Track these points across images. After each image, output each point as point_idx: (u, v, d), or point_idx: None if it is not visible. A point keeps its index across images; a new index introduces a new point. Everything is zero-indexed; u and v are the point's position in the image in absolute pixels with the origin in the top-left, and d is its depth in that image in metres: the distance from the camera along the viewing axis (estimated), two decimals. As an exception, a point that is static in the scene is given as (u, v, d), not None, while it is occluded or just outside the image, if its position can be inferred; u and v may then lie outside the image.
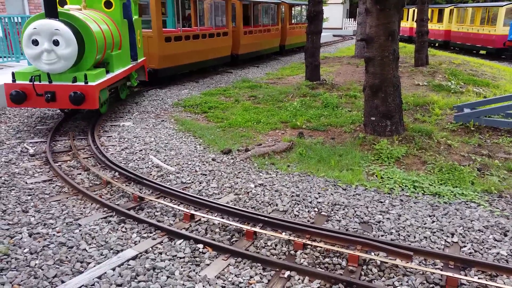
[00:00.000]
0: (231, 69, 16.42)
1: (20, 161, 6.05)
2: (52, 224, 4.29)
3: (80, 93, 6.84)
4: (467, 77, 12.69)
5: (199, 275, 3.46)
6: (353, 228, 4.31)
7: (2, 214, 4.48)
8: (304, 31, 12.90)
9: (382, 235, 4.19)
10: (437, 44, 27.59)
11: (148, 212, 4.61)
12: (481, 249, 3.97)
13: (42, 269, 3.52)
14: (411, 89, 11.35)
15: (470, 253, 3.90)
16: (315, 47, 12.40)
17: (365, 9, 7.21)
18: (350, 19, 47.04)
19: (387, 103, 6.92)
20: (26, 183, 5.30)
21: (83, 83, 7.00)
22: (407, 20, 31.26)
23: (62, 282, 3.36)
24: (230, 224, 4.23)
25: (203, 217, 4.39)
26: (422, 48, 14.97)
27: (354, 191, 5.27)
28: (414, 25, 18.41)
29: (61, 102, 6.99)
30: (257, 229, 4.12)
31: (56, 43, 6.73)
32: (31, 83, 6.86)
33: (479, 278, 3.47)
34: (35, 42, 6.69)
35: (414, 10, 28.60)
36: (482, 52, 23.23)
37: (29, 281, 3.36)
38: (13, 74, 6.88)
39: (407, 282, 3.44)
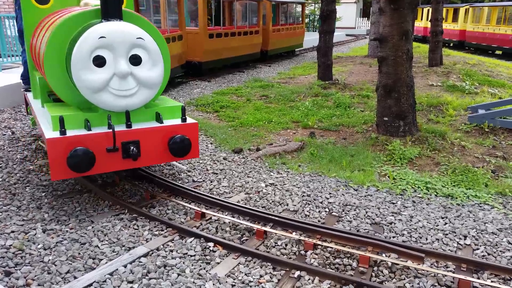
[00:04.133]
0: (243, 69, 16.44)
1: (35, 158, 6.15)
2: (65, 220, 4.35)
3: (186, 138, 4.43)
4: (482, 78, 12.51)
5: (209, 273, 3.47)
6: (364, 229, 4.29)
7: (17, 210, 4.56)
8: (294, 32, 13.31)
9: (393, 237, 4.16)
10: (451, 44, 27.24)
11: (159, 210, 4.65)
12: (495, 252, 3.92)
13: (55, 265, 3.58)
14: (425, 90, 11.23)
15: (483, 256, 3.86)
16: (327, 47, 12.35)
17: (379, 8, 7.16)
18: (364, 18, 46.72)
19: (400, 104, 6.86)
20: (41, 180, 5.38)
21: (178, 121, 4.53)
22: (421, 19, 30.94)
23: (75, 278, 3.41)
24: (241, 223, 4.24)
25: (214, 215, 4.40)
26: (436, 48, 14.80)
27: (366, 192, 5.24)
28: (429, 24, 18.21)
29: (149, 157, 4.35)
30: (267, 228, 4.13)
31: (136, 61, 4.11)
32: (108, 131, 4.07)
33: (492, 282, 3.43)
34: (101, 61, 3.94)
35: (428, 10, 28.29)
36: (498, 52, 22.87)
37: (42, 277, 3.41)
38: (61, 120, 3.87)
39: (419, 284, 3.41)
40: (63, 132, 3.92)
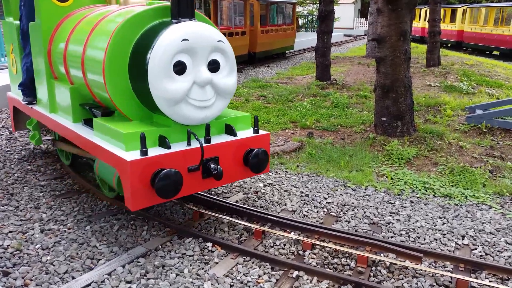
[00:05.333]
0: (241, 69, 16.45)
1: (33, 158, 6.13)
2: (63, 220, 4.34)
3: (265, 152, 4.00)
4: (480, 78, 12.54)
5: (208, 273, 3.47)
6: (363, 229, 4.29)
7: (15, 210, 4.54)
8: (285, 33, 13.29)
9: (391, 237, 4.17)
10: (449, 45, 27.31)
11: (157, 210, 4.64)
12: (492, 252, 3.93)
13: (53, 265, 3.57)
14: (423, 90, 11.25)
15: (481, 255, 3.87)
16: (325, 47, 12.36)
17: (377, 8, 7.17)
18: (362, 18, 46.80)
19: (398, 104, 6.87)
20: (39, 180, 5.37)
21: (249, 133, 4.12)
22: (419, 20, 31.01)
23: (73, 278, 3.40)
24: (239, 223, 4.24)
25: (212, 215, 4.40)
26: (434, 48, 14.83)
27: (364, 192, 5.24)
28: (426, 25, 18.25)
29: (228, 174, 3.90)
30: (266, 228, 4.13)
31: (214, 66, 3.64)
32: (188, 148, 3.60)
33: (490, 281, 3.44)
34: (181, 67, 3.43)
35: (426, 10, 28.35)
36: (495, 52, 22.94)
37: (40, 277, 3.41)
38: (143, 138, 3.32)
39: (417, 284, 3.42)
40: (144, 152, 3.32)
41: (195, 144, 3.64)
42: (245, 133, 4.09)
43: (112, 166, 3.52)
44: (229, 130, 4.00)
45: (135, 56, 3.59)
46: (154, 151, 3.43)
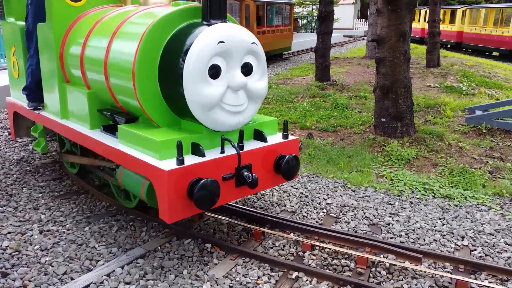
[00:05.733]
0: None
1: (32, 159, 6.12)
2: (62, 221, 4.33)
3: (296, 158, 3.88)
4: (479, 79, 12.55)
5: (207, 275, 3.46)
6: (362, 230, 4.28)
7: (14, 211, 4.54)
8: (282, 34, 13.11)
9: (391, 238, 4.16)
10: (449, 46, 27.33)
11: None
12: (492, 253, 3.92)
13: (52, 266, 3.56)
14: (422, 91, 11.26)
15: (481, 256, 3.86)
16: (325, 48, 12.36)
17: (376, 9, 7.17)
18: (361, 19, 46.83)
19: (397, 105, 6.87)
20: (37, 181, 5.36)
21: (278, 138, 3.99)
22: (419, 21, 31.03)
23: (72, 279, 3.39)
24: (238, 224, 4.23)
25: (212, 216, 4.39)
26: (433, 49, 14.84)
27: (364, 193, 5.24)
28: (426, 26, 18.26)
29: (261, 182, 3.74)
30: (265, 229, 4.12)
31: (246, 70, 3.50)
32: (222, 155, 3.45)
33: (489, 282, 3.43)
34: (215, 71, 3.29)
35: (426, 11, 28.37)
36: (495, 53, 22.95)
37: (39, 278, 3.40)
38: (180, 146, 3.16)
39: (416, 285, 3.41)
40: (181, 161, 3.16)
41: (228, 151, 3.48)
42: (274, 138, 3.95)
43: (144, 176, 3.34)
44: (259, 135, 3.85)
45: (166, 59, 3.43)
46: (189, 159, 3.26)
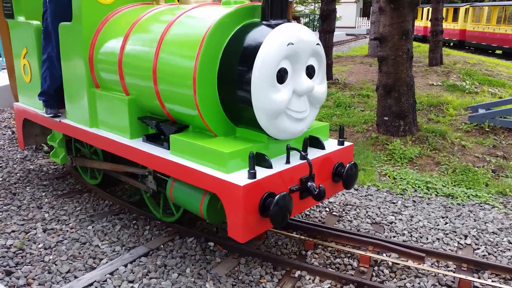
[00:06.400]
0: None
1: (35, 158, 6.14)
2: (65, 220, 4.34)
3: (356, 165, 3.70)
4: (482, 77, 12.50)
5: (210, 273, 3.47)
6: (365, 229, 4.28)
7: (18, 209, 4.55)
8: None
9: (394, 236, 4.16)
10: (451, 44, 27.24)
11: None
12: (495, 252, 3.92)
13: (56, 264, 3.58)
14: (425, 89, 11.23)
15: (484, 255, 3.85)
16: (327, 46, 12.32)
17: (379, 8, 7.15)
18: (364, 17, 46.72)
19: (400, 103, 6.85)
20: (41, 179, 5.38)
21: (334, 144, 3.79)
22: (422, 19, 30.94)
23: (75, 277, 3.41)
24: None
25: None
26: (436, 47, 14.78)
27: (366, 192, 5.24)
28: (429, 24, 18.21)
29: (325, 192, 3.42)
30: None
31: (309, 73, 3.24)
32: (288, 166, 3.22)
33: (492, 281, 3.43)
34: (281, 75, 3.03)
35: (428, 9, 28.29)
36: (498, 52, 22.86)
37: (43, 276, 3.42)
38: (252, 157, 2.92)
39: (419, 284, 3.41)
40: (253, 174, 2.92)
41: (293, 161, 3.26)
42: (329, 144, 3.73)
43: (210, 190, 3.09)
44: (315, 142, 3.62)
45: (226, 63, 3.16)
46: (258, 172, 2.99)
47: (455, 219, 4.53)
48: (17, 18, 4.88)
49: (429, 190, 5.27)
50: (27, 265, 3.58)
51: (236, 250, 3.78)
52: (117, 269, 3.50)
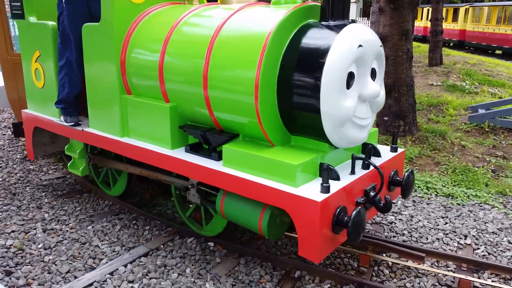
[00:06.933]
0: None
1: (35, 158, 6.14)
2: (65, 220, 4.34)
3: (413, 173, 3.52)
4: (482, 77, 12.50)
5: (210, 273, 3.47)
6: (365, 229, 4.28)
7: (18, 209, 4.55)
8: None
9: (394, 236, 4.16)
10: (451, 44, 27.24)
11: (159, 209, 4.65)
12: (495, 252, 3.91)
13: (56, 265, 3.58)
14: (425, 89, 11.23)
15: (484, 255, 3.85)
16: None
17: (379, 8, 7.16)
18: (363, 18, 46.74)
19: (400, 103, 6.86)
20: (41, 179, 5.38)
21: (387, 151, 3.67)
22: (421, 19, 30.94)
23: (75, 277, 3.41)
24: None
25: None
26: (436, 47, 14.79)
27: (366, 192, 5.23)
28: (428, 24, 18.23)
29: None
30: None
31: (373, 76, 3.07)
32: (354, 177, 3.02)
33: (492, 281, 3.43)
34: (350, 79, 2.84)
35: (428, 9, 28.30)
36: (498, 52, 22.87)
37: (43, 276, 3.41)
38: (326, 170, 2.74)
39: (419, 284, 3.41)
40: (327, 188, 2.72)
41: (358, 172, 3.09)
42: (382, 151, 3.54)
43: (276, 206, 2.86)
44: (371, 150, 3.41)
45: (289, 67, 2.92)
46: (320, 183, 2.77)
47: (455, 219, 4.53)
48: (28, 19, 4.54)
49: (429, 190, 5.27)
50: (27, 265, 3.58)
51: (236, 250, 3.78)
52: (117, 269, 3.50)
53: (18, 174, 5.49)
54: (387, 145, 3.81)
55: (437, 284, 3.42)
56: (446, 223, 4.45)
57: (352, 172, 3.04)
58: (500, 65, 16.05)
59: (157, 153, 3.48)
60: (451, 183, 5.48)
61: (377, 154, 3.43)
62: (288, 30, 2.96)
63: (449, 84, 11.51)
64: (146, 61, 3.54)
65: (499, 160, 6.17)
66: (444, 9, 23.03)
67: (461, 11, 26.44)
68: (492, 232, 4.25)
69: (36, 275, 3.43)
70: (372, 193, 3.08)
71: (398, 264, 3.62)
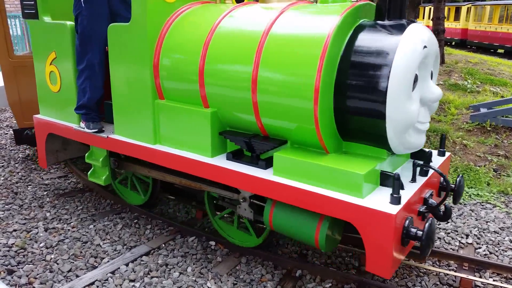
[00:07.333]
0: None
1: (37, 157, 6.16)
2: (67, 219, 4.35)
3: (463, 178, 3.54)
4: (484, 76, 12.48)
5: (211, 272, 3.48)
6: (366, 228, 4.28)
7: (19, 209, 4.57)
8: None
9: (395, 235, 4.15)
10: (453, 43, 27.20)
11: (160, 208, 4.66)
12: (497, 251, 3.91)
13: (57, 263, 3.59)
14: (427, 88, 11.20)
15: (485, 254, 3.85)
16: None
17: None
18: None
19: (401, 102, 6.84)
20: (42, 178, 5.39)
21: (434, 155, 3.50)
22: (423, 18, 30.88)
23: (77, 276, 3.42)
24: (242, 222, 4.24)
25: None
26: (438, 46, 14.78)
27: (367, 191, 5.23)
28: (430, 23, 18.18)
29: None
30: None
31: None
32: (416, 185, 2.91)
33: (494, 280, 3.42)
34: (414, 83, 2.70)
35: (430, 8, 28.25)
36: (500, 51, 22.82)
37: (44, 275, 3.42)
38: (397, 179, 2.59)
39: (420, 283, 3.41)
40: (397, 199, 2.56)
41: (419, 180, 2.97)
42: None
43: (341, 218, 2.69)
44: (419, 154, 3.28)
45: (347, 70, 2.76)
46: (389, 195, 2.62)
47: (456, 218, 4.52)
48: (43, 19, 4.28)
49: (430, 189, 5.26)
50: (29, 264, 3.59)
51: (237, 250, 3.78)
52: (119, 268, 3.51)
53: (20, 173, 5.51)
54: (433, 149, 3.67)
55: (438, 283, 3.42)
56: (448, 222, 4.44)
57: (413, 179, 2.91)
58: (502, 64, 16.01)
59: (197, 161, 3.29)
60: (453, 182, 5.46)
61: (427, 159, 3.23)
62: (345, 31, 2.81)
63: (451, 83, 11.49)
64: (184, 65, 3.34)
65: (501, 159, 6.15)
66: (446, 8, 22.99)
67: (463, 10, 26.39)
68: (494, 231, 4.24)
69: (38, 274, 3.44)
70: (430, 201, 2.95)
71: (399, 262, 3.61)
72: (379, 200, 2.62)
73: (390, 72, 2.55)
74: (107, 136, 3.84)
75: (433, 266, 3.64)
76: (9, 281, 3.34)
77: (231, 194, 3.50)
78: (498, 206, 4.84)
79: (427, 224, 2.59)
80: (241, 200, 3.44)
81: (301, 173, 2.86)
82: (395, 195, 2.55)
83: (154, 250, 3.81)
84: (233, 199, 3.53)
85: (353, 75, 2.72)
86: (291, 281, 3.39)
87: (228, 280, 3.38)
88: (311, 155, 2.93)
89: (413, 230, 2.59)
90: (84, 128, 3.98)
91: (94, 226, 4.21)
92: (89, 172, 4.32)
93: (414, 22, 2.78)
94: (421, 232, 2.57)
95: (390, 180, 2.74)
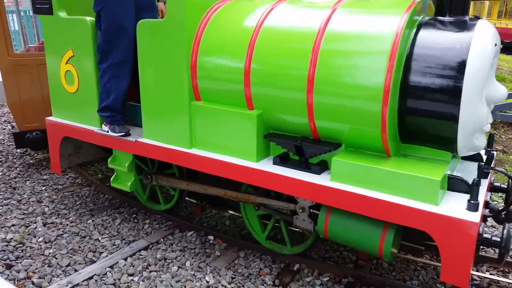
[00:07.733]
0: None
1: (35, 152, 6.15)
2: (65, 214, 4.36)
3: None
4: (483, 72, 12.47)
5: (210, 266, 3.49)
6: (364, 222, 4.29)
7: (18, 203, 4.57)
8: None
9: (393, 230, 4.17)
10: (452, 38, 27.19)
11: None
12: (494, 245, 3.92)
13: (56, 258, 3.60)
14: (425, 84, 11.21)
15: (482, 248, 3.86)
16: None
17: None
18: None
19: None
20: (41, 174, 5.39)
21: (482, 154, 3.31)
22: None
23: (75, 270, 3.43)
24: (240, 216, 4.25)
25: (214, 209, 4.41)
26: (436, 42, 14.75)
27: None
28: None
29: None
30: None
31: None
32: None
33: (490, 274, 3.44)
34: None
35: (429, 3, 28.18)
36: (498, 46, 22.82)
37: (43, 269, 3.43)
38: (476, 185, 2.44)
39: (418, 277, 3.43)
40: (476, 206, 2.43)
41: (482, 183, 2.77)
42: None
43: (415, 227, 2.53)
44: (492, 156, 3.16)
45: (415, 69, 2.61)
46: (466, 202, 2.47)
47: (454, 212, 4.53)
48: (58, 14, 4.00)
49: (428, 184, 5.27)
50: (27, 258, 3.59)
51: (236, 244, 3.79)
52: (117, 262, 3.52)
53: (18, 168, 5.50)
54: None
55: (435, 277, 3.44)
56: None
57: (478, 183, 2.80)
58: (501, 59, 16.00)
59: (242, 166, 3.06)
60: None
61: (479, 159, 3.11)
62: (411, 28, 2.68)
63: (450, 79, 11.48)
64: (227, 64, 3.13)
65: (499, 154, 6.17)
66: (445, 3, 22.92)
67: (462, 5, 26.33)
68: (491, 225, 4.26)
69: (36, 269, 3.45)
70: (491, 204, 2.88)
71: (397, 257, 3.63)
72: (454, 207, 2.47)
73: (464, 72, 2.43)
74: (136, 140, 3.59)
75: (431, 260, 3.66)
76: (8, 275, 3.35)
77: (287, 204, 3.25)
78: (495, 201, 4.85)
79: (505, 232, 2.51)
80: (300, 211, 3.18)
81: (363, 179, 2.68)
82: (473, 202, 2.41)
83: (153, 245, 3.82)
84: (290, 209, 3.27)
85: (422, 75, 2.57)
86: (289, 275, 3.40)
87: (226, 274, 3.39)
88: (373, 159, 2.75)
89: (489, 236, 2.53)
90: (108, 132, 3.72)
91: (92, 220, 4.22)
92: (111, 178, 4.03)
93: (479, 18, 2.65)
94: (499, 239, 2.51)
95: (457, 184, 2.65)
